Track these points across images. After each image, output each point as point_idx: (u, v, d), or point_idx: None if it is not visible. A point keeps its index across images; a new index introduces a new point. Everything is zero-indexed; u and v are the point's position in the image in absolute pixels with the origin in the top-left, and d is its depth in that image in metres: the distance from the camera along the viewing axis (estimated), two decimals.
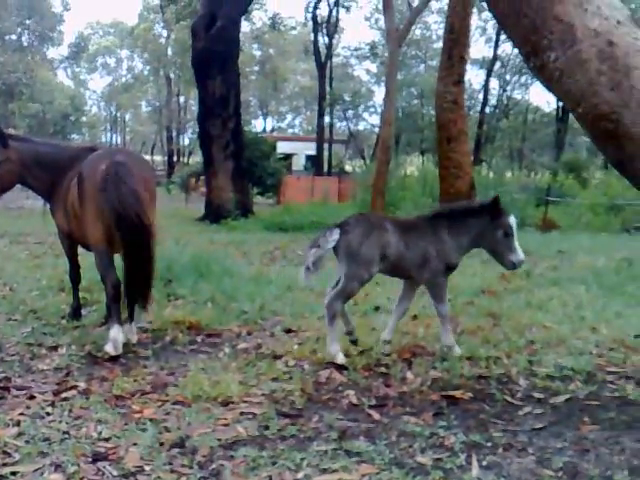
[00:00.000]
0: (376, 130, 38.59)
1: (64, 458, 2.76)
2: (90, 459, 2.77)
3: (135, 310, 4.64)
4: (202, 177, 23.20)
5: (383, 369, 4.04)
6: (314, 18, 36.09)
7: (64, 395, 3.54)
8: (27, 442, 2.92)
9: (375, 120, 44.83)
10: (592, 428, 3.16)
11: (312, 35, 37.11)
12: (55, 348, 4.45)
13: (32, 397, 3.51)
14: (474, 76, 64.59)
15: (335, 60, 41.82)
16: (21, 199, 18.36)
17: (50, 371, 3.99)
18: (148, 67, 54.37)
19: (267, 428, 3.12)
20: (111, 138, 63.36)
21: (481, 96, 39.33)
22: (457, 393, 3.62)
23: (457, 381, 3.83)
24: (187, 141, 54.88)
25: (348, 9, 37.95)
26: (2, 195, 5.20)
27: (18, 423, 3.13)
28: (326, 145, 38.77)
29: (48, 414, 3.27)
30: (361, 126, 48.05)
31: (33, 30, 49.54)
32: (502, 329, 4.95)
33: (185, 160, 51.34)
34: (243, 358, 4.24)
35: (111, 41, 58.96)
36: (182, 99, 52.15)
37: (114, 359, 4.18)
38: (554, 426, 3.20)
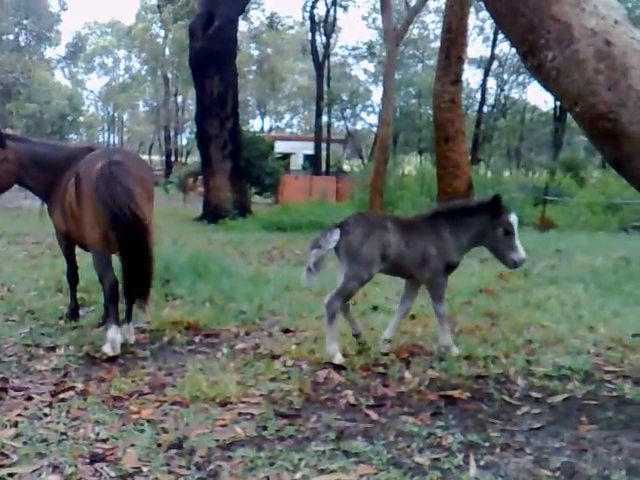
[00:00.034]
0: (374, 129, 38.72)
1: (62, 459, 2.76)
2: (88, 460, 2.76)
3: (133, 310, 4.64)
4: (200, 177, 23.14)
5: (381, 369, 4.04)
6: (312, 17, 36.14)
7: (62, 396, 3.53)
8: (25, 443, 2.91)
9: (373, 119, 45.01)
10: (590, 428, 3.16)
11: (310, 35, 37.14)
12: (53, 349, 4.44)
13: (30, 398, 3.50)
14: (472, 75, 65.06)
15: (333, 60, 41.82)
16: (19, 199, 18.34)
17: (48, 372, 3.98)
18: (146, 67, 54.39)
19: (265, 428, 3.11)
20: (109, 138, 63.31)
21: (479, 95, 39.45)
22: (455, 393, 3.62)
23: (455, 381, 3.83)
24: (185, 141, 54.95)
25: (346, 8, 38.11)
26: (0, 195, 5.19)
27: (16, 424, 3.13)
28: (324, 145, 38.76)
29: (46, 415, 3.27)
30: (359, 125, 48.11)
31: (30, 30, 49.44)
32: (500, 329, 4.95)
33: (183, 160, 51.30)
34: (241, 358, 4.23)
35: (109, 41, 58.86)
36: (180, 99, 52.17)
37: (112, 360, 4.18)
38: (552, 426, 3.20)
